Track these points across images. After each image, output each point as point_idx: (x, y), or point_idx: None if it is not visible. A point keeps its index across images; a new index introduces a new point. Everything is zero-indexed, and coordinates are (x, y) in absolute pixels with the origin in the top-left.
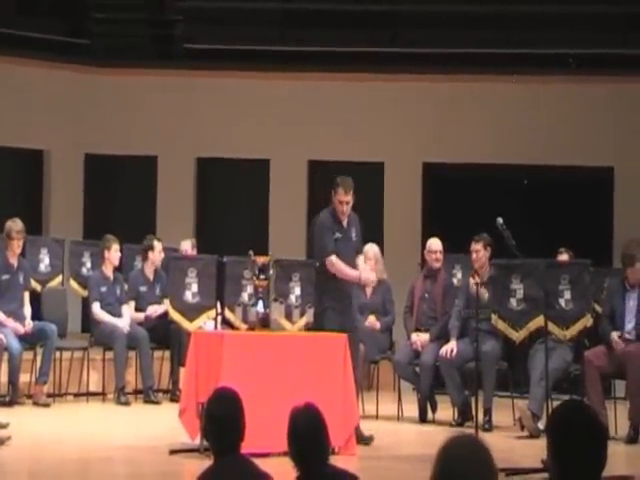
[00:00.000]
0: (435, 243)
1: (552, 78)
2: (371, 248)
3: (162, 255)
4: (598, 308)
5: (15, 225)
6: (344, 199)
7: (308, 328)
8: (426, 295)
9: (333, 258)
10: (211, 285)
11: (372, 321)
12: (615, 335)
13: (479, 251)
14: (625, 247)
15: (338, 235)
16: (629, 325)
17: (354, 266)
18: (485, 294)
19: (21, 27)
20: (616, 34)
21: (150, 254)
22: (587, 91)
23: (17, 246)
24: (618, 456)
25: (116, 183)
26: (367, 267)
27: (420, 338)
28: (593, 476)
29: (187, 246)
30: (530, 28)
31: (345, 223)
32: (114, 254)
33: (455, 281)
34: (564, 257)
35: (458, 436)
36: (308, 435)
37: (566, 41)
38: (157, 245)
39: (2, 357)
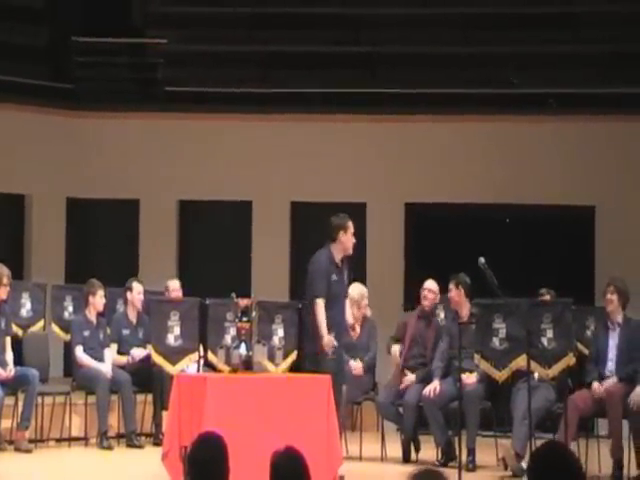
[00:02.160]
0: (428, 284)
1: (533, 118)
2: (357, 287)
3: (141, 297)
4: (581, 347)
5: (6, 271)
6: (353, 230)
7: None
8: (418, 338)
9: (320, 303)
10: (194, 328)
11: (357, 368)
12: (596, 385)
13: (451, 290)
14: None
15: (334, 278)
16: (610, 364)
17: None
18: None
19: (4, 72)
20: (596, 73)
21: (128, 295)
22: (568, 131)
23: (5, 292)
24: None
25: (98, 227)
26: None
27: (408, 378)
28: None
29: (176, 285)
30: (510, 68)
31: (340, 264)
32: (99, 300)
33: (439, 321)
34: (546, 298)
35: (422, 470)
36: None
37: (546, 81)
38: (136, 287)
39: None
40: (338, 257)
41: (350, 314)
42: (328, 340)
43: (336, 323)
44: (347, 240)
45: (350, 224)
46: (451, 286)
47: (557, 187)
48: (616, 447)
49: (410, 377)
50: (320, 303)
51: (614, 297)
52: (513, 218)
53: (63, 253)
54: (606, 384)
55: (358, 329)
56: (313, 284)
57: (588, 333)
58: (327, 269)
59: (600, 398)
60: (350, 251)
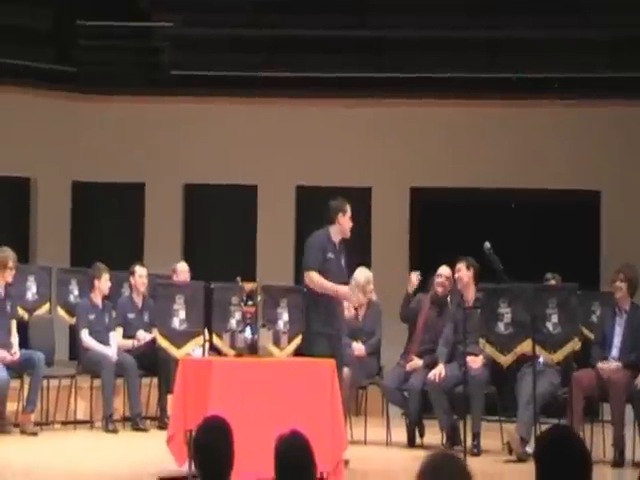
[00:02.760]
0: (441, 270)
1: (538, 102)
2: (362, 272)
3: (145, 281)
4: (586, 331)
5: (12, 254)
6: (350, 214)
7: (297, 353)
8: (430, 325)
9: (312, 274)
10: (199, 312)
11: (360, 349)
12: (601, 364)
13: (461, 269)
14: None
15: (331, 255)
16: (614, 350)
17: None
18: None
19: (7, 55)
20: (602, 58)
21: (132, 279)
22: (574, 115)
23: (10, 275)
24: (605, 479)
25: (103, 210)
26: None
27: (415, 362)
28: None
29: (184, 267)
30: (518, 52)
31: (338, 247)
32: (104, 283)
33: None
34: (552, 283)
35: (439, 453)
36: (293, 464)
37: (552, 65)
38: (139, 270)
39: None
40: (336, 239)
41: (356, 298)
42: (345, 292)
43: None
44: (345, 222)
45: (348, 207)
46: (461, 266)
47: (563, 172)
48: (618, 437)
49: (417, 362)
50: (314, 274)
51: (623, 285)
52: (519, 203)
53: (68, 236)
54: (612, 365)
55: (362, 313)
56: (307, 256)
57: (593, 318)
58: (323, 245)
59: (605, 379)
60: (348, 234)
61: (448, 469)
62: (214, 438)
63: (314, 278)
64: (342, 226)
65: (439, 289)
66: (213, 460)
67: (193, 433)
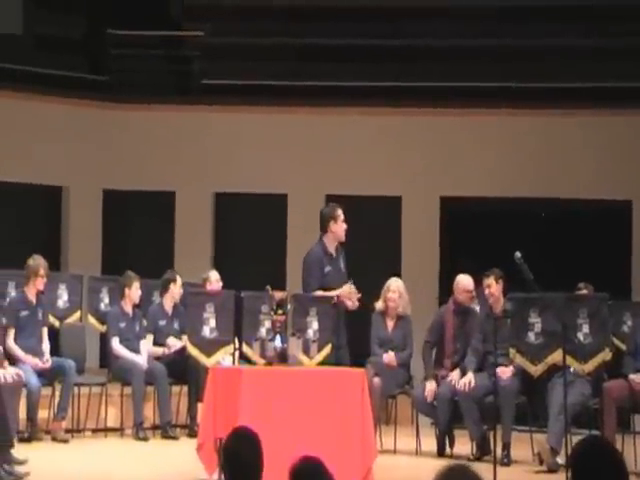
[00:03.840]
0: (470, 282)
1: (570, 112)
2: (395, 282)
3: (181, 290)
4: (617, 342)
5: (44, 262)
6: (343, 217)
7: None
8: (457, 333)
9: (315, 294)
10: (229, 320)
11: (390, 357)
12: (634, 376)
13: (491, 285)
14: None
15: (329, 268)
16: None
17: None
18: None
19: (40, 64)
20: (631, 67)
21: (172, 286)
22: (605, 124)
23: (41, 283)
24: None
25: (134, 219)
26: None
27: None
28: None
29: (217, 276)
30: (548, 61)
31: (334, 254)
32: (135, 292)
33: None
34: (584, 292)
35: (451, 466)
36: (303, 477)
37: (584, 74)
38: (178, 279)
39: (21, 393)
40: (332, 247)
41: (379, 303)
42: (345, 290)
43: None
44: (338, 228)
45: (339, 212)
46: (491, 281)
47: (594, 181)
48: None
49: (456, 373)
50: (316, 294)
51: None
52: (549, 212)
53: (100, 245)
54: None
55: (390, 323)
56: (306, 279)
57: (624, 328)
58: (319, 262)
59: (637, 391)
60: (342, 238)
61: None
62: (244, 448)
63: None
64: (335, 233)
65: (469, 302)
66: (242, 471)
67: (222, 442)
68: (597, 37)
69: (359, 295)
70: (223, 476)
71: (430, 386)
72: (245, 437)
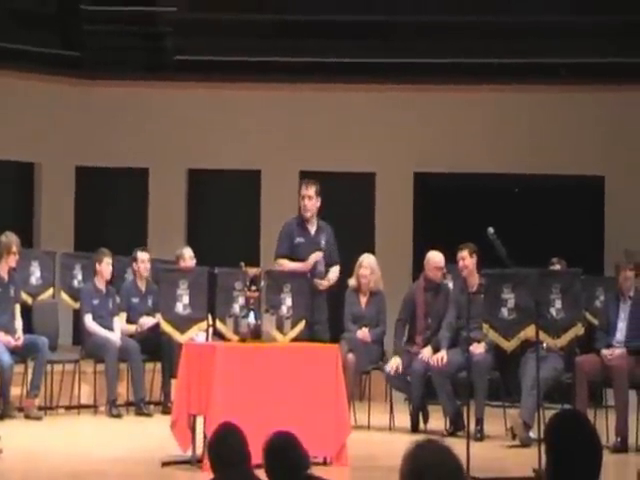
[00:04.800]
0: (440, 259)
1: (542, 87)
2: (367, 258)
3: (147, 266)
4: (590, 317)
5: (16, 239)
6: (305, 193)
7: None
8: (429, 310)
9: (279, 261)
10: (202, 297)
11: (364, 333)
12: (606, 351)
13: (465, 258)
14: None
15: (300, 240)
16: (618, 335)
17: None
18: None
19: (13, 39)
20: (606, 43)
21: (134, 265)
22: (578, 100)
23: (14, 260)
24: (606, 465)
25: (107, 195)
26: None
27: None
28: None
29: (191, 253)
30: (521, 38)
31: (313, 230)
32: (106, 267)
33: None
34: (557, 267)
35: (423, 441)
36: (283, 465)
37: (556, 50)
38: (141, 256)
39: None
40: (305, 213)
41: (352, 280)
42: (311, 259)
43: None
44: (300, 203)
45: (302, 186)
46: (464, 254)
47: (566, 157)
48: (621, 424)
49: (427, 350)
50: (281, 261)
51: (632, 274)
52: (522, 188)
53: (72, 221)
54: (616, 352)
55: (364, 299)
56: (276, 246)
57: (597, 303)
58: (290, 231)
59: (608, 365)
60: (305, 214)
61: (431, 456)
62: (231, 447)
63: (282, 264)
64: (300, 207)
65: (441, 279)
66: (232, 468)
67: (208, 441)
68: (575, 14)
69: (333, 278)
70: (212, 470)
71: (394, 362)
72: (229, 433)
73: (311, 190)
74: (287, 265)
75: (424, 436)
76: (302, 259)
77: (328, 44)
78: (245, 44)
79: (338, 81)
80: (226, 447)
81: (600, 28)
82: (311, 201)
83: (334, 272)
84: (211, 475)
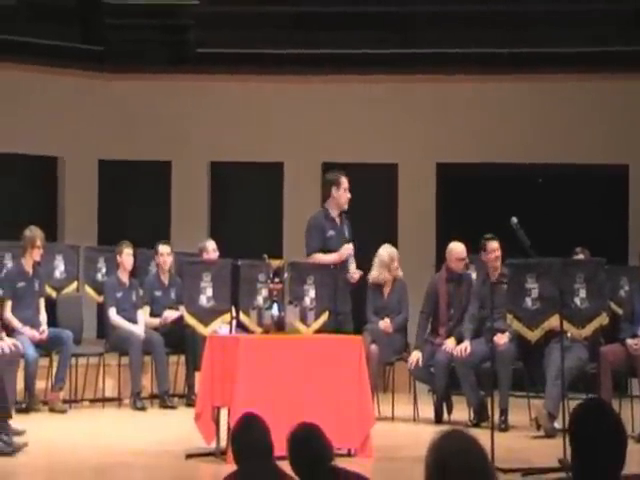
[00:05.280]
0: (462, 250)
1: (566, 76)
2: (384, 249)
3: (170, 259)
4: (614, 306)
5: (40, 233)
6: (346, 185)
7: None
8: (452, 300)
9: (314, 256)
10: (226, 289)
11: (386, 324)
12: (631, 340)
13: (497, 250)
14: None
15: (332, 233)
16: None
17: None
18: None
19: (34, 34)
20: (630, 31)
21: (157, 258)
22: (602, 89)
23: (38, 254)
24: (631, 454)
25: (130, 188)
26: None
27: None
28: (613, 474)
29: (214, 245)
30: (543, 27)
31: (339, 220)
32: (127, 258)
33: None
34: (580, 257)
35: (447, 431)
36: (307, 457)
37: (580, 39)
38: (163, 249)
39: (18, 364)
40: (334, 213)
41: (379, 275)
42: (343, 249)
43: None
44: (340, 196)
45: (342, 179)
46: (495, 245)
47: (590, 146)
48: None
49: (451, 341)
50: (316, 256)
51: None
52: (546, 178)
53: (96, 215)
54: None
55: (387, 290)
56: (307, 241)
57: (621, 293)
58: (321, 225)
59: (633, 355)
60: (344, 206)
61: (456, 446)
62: (254, 437)
63: (318, 259)
64: (337, 199)
65: (463, 270)
66: (254, 456)
67: (231, 434)
68: (585, 3)
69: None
70: (235, 462)
71: (414, 356)
72: (253, 424)
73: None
74: (322, 258)
75: (448, 426)
76: (334, 251)
77: (349, 35)
78: (267, 36)
79: (360, 72)
80: (249, 438)
81: (624, 16)
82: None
83: (353, 263)
84: (234, 467)
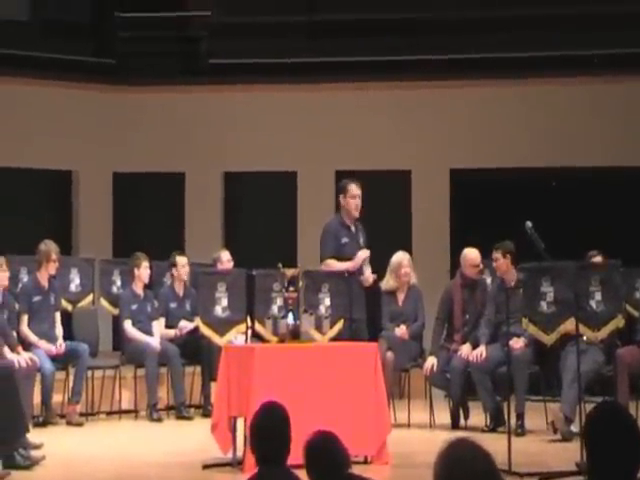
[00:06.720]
0: (477, 256)
1: (578, 79)
2: (397, 257)
3: (187, 270)
4: (629, 308)
5: (55, 247)
6: (357, 192)
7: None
8: (467, 306)
9: (327, 262)
10: (241, 299)
11: (402, 331)
12: None
13: (498, 259)
14: None
15: (346, 240)
16: None
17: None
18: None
19: (46, 49)
20: None
21: (174, 270)
22: (616, 91)
23: (53, 268)
24: None
25: (144, 201)
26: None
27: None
28: (629, 476)
29: (229, 256)
30: (554, 30)
31: (353, 228)
32: (144, 271)
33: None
34: (597, 260)
35: (456, 440)
36: (324, 465)
37: (592, 41)
38: (180, 260)
39: (35, 378)
40: (348, 220)
41: (388, 282)
42: (357, 260)
43: None
44: (347, 203)
45: (349, 187)
46: (497, 255)
47: (604, 149)
48: None
49: (466, 347)
50: (330, 262)
51: None
52: (560, 181)
53: (110, 228)
54: None
55: (402, 297)
56: (321, 248)
57: (637, 295)
58: (335, 231)
59: None
60: (353, 213)
61: (462, 453)
62: (272, 421)
63: (331, 264)
64: (345, 208)
65: (478, 276)
66: (270, 441)
67: (251, 418)
68: (600, 5)
69: (374, 276)
70: (252, 451)
71: (429, 362)
72: (273, 409)
73: (360, 190)
74: (336, 265)
75: (462, 433)
76: (348, 258)
77: (361, 43)
78: (279, 46)
79: (372, 80)
80: (269, 418)
81: (631, 18)
82: (360, 200)
83: (368, 268)
84: (251, 473)
